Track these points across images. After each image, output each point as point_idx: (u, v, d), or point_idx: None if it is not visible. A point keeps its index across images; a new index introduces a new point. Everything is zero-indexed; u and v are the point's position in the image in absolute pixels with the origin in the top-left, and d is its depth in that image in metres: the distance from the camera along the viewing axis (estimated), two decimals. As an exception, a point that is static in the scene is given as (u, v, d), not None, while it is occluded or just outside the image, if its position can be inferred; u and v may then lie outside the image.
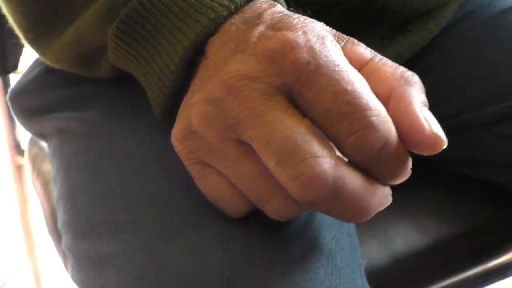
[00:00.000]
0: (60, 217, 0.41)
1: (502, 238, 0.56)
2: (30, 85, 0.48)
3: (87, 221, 0.37)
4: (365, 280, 0.38)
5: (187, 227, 0.33)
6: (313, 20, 0.30)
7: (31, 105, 0.48)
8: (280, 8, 0.31)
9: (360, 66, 0.29)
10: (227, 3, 0.30)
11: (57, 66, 0.41)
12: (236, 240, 0.32)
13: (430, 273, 0.54)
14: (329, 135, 0.27)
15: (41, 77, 0.48)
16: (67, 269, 0.58)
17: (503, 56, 0.52)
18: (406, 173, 0.28)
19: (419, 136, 0.27)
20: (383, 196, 0.28)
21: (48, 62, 0.41)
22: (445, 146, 0.27)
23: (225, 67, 0.28)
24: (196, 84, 0.30)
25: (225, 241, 0.32)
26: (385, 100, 0.27)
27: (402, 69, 0.29)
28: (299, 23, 0.29)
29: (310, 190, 0.26)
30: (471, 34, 0.56)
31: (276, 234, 0.33)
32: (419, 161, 0.58)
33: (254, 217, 0.33)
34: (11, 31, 0.43)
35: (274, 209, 0.29)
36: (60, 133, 0.43)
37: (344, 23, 0.44)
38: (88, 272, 0.36)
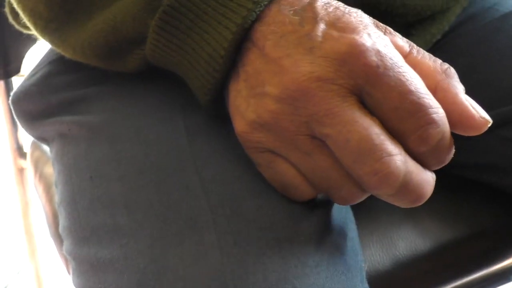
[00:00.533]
0: (62, 222, 0.41)
1: (505, 242, 0.56)
2: (32, 89, 0.48)
3: (87, 225, 0.37)
4: (366, 285, 0.37)
5: (187, 232, 0.33)
6: (361, 13, 0.32)
7: (33, 109, 0.48)
8: None
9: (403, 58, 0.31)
10: None
11: (76, 58, 0.41)
12: (235, 244, 0.32)
13: (433, 277, 0.54)
14: (396, 131, 0.30)
15: (43, 81, 0.48)
16: (69, 272, 0.58)
17: (506, 60, 0.52)
18: (450, 158, 0.32)
19: (471, 123, 0.31)
20: (433, 182, 0.32)
21: (66, 54, 0.41)
22: (490, 125, 0.31)
23: (296, 68, 0.30)
24: (248, 72, 0.32)
25: (224, 245, 0.32)
26: (431, 92, 0.30)
27: (439, 61, 0.32)
28: (358, 23, 0.31)
29: (385, 185, 0.29)
30: (474, 37, 0.56)
31: (275, 238, 0.33)
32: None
33: (254, 222, 0.33)
34: (13, 34, 0.43)
35: (343, 197, 0.32)
36: (62, 137, 0.43)
37: None
38: (89, 276, 0.36)
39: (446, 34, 0.57)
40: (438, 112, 0.29)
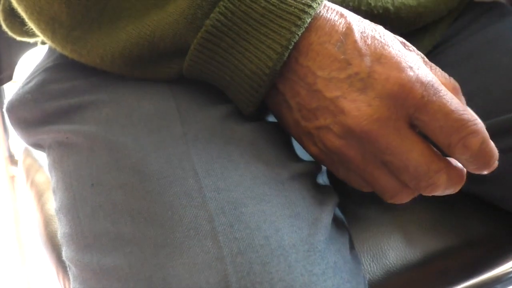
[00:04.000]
0: (61, 228, 0.41)
1: (493, 252, 0.57)
2: (27, 97, 0.48)
3: (89, 233, 0.37)
4: None
5: (191, 240, 0.33)
6: (392, 38, 0.37)
7: (28, 116, 0.48)
8: (358, 25, 0.37)
9: None
10: (307, 9, 0.36)
11: (103, 67, 0.42)
12: (239, 253, 0.32)
13: (423, 286, 0.54)
14: (443, 144, 0.35)
15: (38, 88, 0.48)
16: (59, 280, 0.58)
17: (497, 70, 0.52)
18: (495, 164, 0.37)
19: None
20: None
21: (91, 63, 0.42)
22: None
23: (357, 112, 0.35)
24: (301, 105, 0.38)
25: (228, 254, 0.32)
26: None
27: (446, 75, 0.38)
28: (398, 56, 0.35)
29: (435, 192, 0.37)
30: (465, 48, 0.56)
31: (280, 246, 0.33)
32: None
33: (258, 229, 0.33)
34: (6, 42, 0.43)
35: (396, 201, 0.39)
36: (60, 145, 0.43)
37: None
38: (92, 284, 0.36)
39: (437, 45, 0.58)
40: (476, 123, 0.35)
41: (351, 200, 0.55)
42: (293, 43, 0.36)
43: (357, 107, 0.35)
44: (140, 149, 0.38)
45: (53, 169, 0.44)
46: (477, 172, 0.37)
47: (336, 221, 0.39)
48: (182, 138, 0.38)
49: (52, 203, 0.65)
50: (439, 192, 0.37)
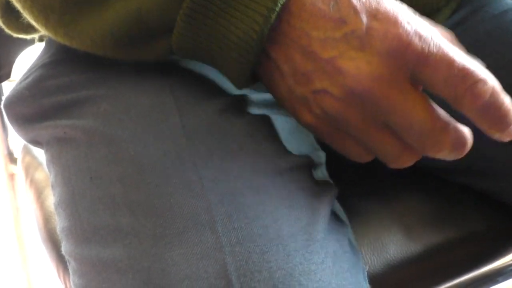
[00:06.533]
0: (60, 223, 0.41)
1: (494, 245, 0.57)
2: (24, 93, 0.48)
3: (88, 226, 0.38)
4: (368, 284, 0.38)
5: (189, 231, 0.33)
6: None
7: (25, 112, 0.48)
8: None
9: None
10: None
11: (95, 50, 0.41)
12: (238, 242, 0.32)
13: (424, 280, 0.54)
14: (449, 96, 0.33)
15: (36, 84, 0.48)
16: (59, 276, 0.58)
17: (497, 63, 0.52)
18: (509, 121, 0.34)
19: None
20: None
21: (83, 47, 0.41)
22: None
23: (357, 70, 0.33)
24: (295, 69, 0.35)
25: (227, 243, 0.32)
26: None
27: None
28: (395, 11, 0.34)
29: (443, 152, 0.35)
30: (465, 41, 0.56)
31: (278, 235, 0.33)
32: (410, 169, 0.58)
33: (256, 219, 0.33)
34: (3, 39, 0.43)
35: (399, 164, 0.37)
36: (58, 140, 0.43)
37: None
38: (91, 277, 0.37)
39: None
40: (483, 72, 0.33)
41: (351, 193, 0.55)
42: (279, 4, 0.34)
43: (356, 66, 0.33)
44: (139, 142, 0.38)
45: (52, 165, 0.44)
46: (492, 134, 0.35)
47: (335, 212, 0.39)
48: (181, 131, 0.38)
49: (51, 201, 0.65)
50: (444, 154, 0.35)
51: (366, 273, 0.39)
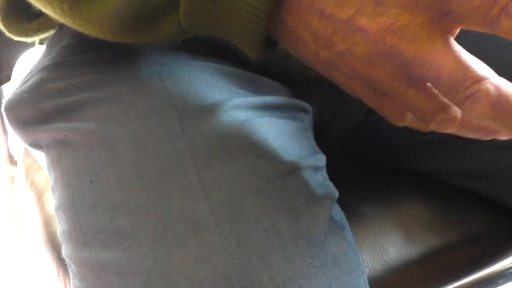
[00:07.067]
0: (60, 226, 0.41)
1: (494, 248, 0.57)
2: (25, 96, 0.48)
3: (88, 229, 0.38)
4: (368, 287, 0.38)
5: (190, 234, 0.33)
6: None
7: (26, 115, 0.48)
8: None
9: None
10: None
11: (103, 35, 0.40)
12: (239, 245, 0.33)
13: (424, 282, 0.54)
14: (485, 26, 0.30)
15: (36, 87, 0.48)
16: (60, 279, 0.58)
17: (498, 66, 0.52)
18: None
19: None
20: None
21: (92, 32, 0.40)
22: None
23: (376, 26, 0.31)
24: (316, 34, 0.34)
25: (228, 246, 0.32)
26: None
27: None
28: None
29: (479, 105, 0.30)
30: (464, 43, 0.56)
31: (279, 239, 0.33)
32: (409, 172, 0.58)
33: (257, 222, 0.33)
34: (4, 42, 0.43)
35: (437, 127, 0.34)
36: (58, 143, 0.44)
37: None
38: (91, 280, 0.37)
39: None
40: None
41: (351, 197, 0.55)
42: None
43: (375, 22, 0.31)
44: (138, 145, 0.38)
45: (52, 168, 0.44)
46: None
47: (335, 216, 0.39)
48: (180, 133, 0.38)
49: (51, 203, 0.65)
50: (482, 111, 0.31)
51: (366, 276, 0.39)
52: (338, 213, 0.41)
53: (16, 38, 0.52)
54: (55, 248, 0.59)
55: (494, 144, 0.51)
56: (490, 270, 0.57)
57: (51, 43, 0.53)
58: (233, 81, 0.46)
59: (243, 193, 0.35)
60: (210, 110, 0.40)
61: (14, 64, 0.82)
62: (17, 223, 0.96)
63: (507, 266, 0.58)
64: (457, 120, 0.34)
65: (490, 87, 0.30)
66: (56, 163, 0.43)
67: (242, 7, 0.34)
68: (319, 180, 0.41)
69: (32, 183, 0.71)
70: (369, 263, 0.52)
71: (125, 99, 0.41)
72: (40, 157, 0.76)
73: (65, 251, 0.41)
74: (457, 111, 0.34)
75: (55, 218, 0.61)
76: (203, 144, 0.37)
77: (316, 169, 0.42)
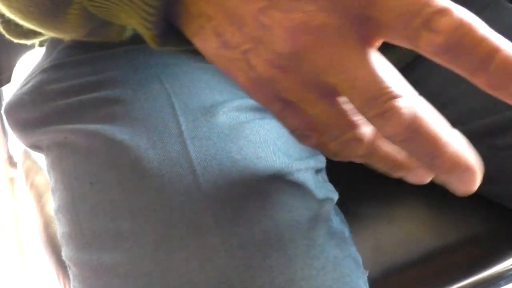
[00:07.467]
0: (61, 228, 0.41)
1: (495, 249, 0.57)
2: (25, 98, 0.49)
3: (89, 231, 0.38)
4: None
5: (190, 236, 0.33)
6: None
7: (26, 117, 0.48)
8: None
9: None
10: None
11: (26, 20, 0.39)
12: (240, 247, 0.33)
13: (425, 284, 0.54)
14: (404, 38, 0.27)
15: (36, 89, 0.48)
16: (59, 281, 0.58)
17: None
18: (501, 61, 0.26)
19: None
20: (460, 149, 0.28)
21: (16, 17, 0.39)
22: None
23: (291, 23, 0.27)
24: (220, 27, 0.30)
25: (229, 248, 0.32)
26: None
27: None
28: None
29: (391, 124, 0.27)
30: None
31: (280, 240, 0.33)
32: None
33: (257, 224, 0.33)
34: (4, 44, 0.43)
35: (341, 148, 0.31)
36: (58, 145, 0.44)
37: None
38: (91, 282, 0.37)
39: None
40: (446, 2, 0.26)
41: (351, 198, 0.55)
42: None
43: (289, 17, 0.27)
44: (138, 147, 0.38)
45: (52, 170, 0.44)
46: (479, 83, 0.26)
47: (335, 217, 0.39)
48: (180, 136, 0.38)
49: (51, 205, 0.65)
50: (394, 130, 0.27)
51: (366, 277, 0.39)
52: (338, 214, 0.41)
53: (16, 40, 0.52)
54: (55, 250, 0.59)
55: (494, 145, 0.51)
56: (491, 271, 0.57)
57: (51, 45, 0.53)
58: (233, 82, 0.46)
59: (243, 195, 0.35)
60: (210, 111, 0.40)
61: (14, 66, 0.82)
62: (17, 225, 0.95)
63: (509, 267, 0.58)
64: (363, 144, 0.30)
65: (406, 105, 0.27)
66: (56, 165, 0.43)
67: None
68: (319, 181, 0.41)
69: (32, 185, 0.71)
70: (369, 264, 0.52)
71: (125, 100, 0.41)
72: (40, 159, 0.76)
73: (65, 253, 0.41)
74: (365, 134, 0.30)
75: (55, 220, 0.61)
76: (202, 146, 0.37)
77: (316, 170, 0.42)
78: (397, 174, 0.32)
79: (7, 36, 0.52)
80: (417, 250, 0.53)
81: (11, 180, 0.91)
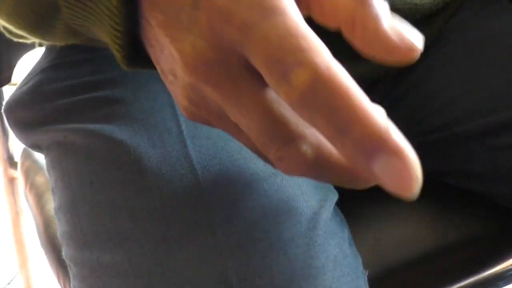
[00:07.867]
0: (61, 227, 0.41)
1: (494, 249, 0.57)
2: (24, 97, 0.49)
3: (89, 230, 0.38)
4: None
5: (190, 235, 0.33)
6: None
7: (26, 117, 0.48)
8: None
9: None
10: None
11: (7, 23, 0.39)
12: (239, 246, 0.33)
13: (424, 284, 0.54)
14: (270, 81, 0.24)
15: (36, 89, 0.48)
16: (59, 281, 0.58)
17: (494, 68, 0.52)
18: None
19: (398, 56, 0.24)
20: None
21: (8, 24, 0.39)
22: (419, 53, 0.25)
23: (183, 56, 0.26)
24: (155, 54, 0.29)
25: (229, 247, 0.32)
26: (349, 30, 0.25)
27: None
28: None
29: (291, 169, 0.26)
30: (461, 45, 0.56)
31: (279, 240, 0.33)
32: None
33: (256, 223, 0.33)
34: (4, 43, 0.43)
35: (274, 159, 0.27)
36: (58, 145, 0.44)
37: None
38: (91, 282, 0.37)
39: (433, 42, 0.57)
40: (310, 53, 0.23)
41: (350, 197, 0.55)
42: None
43: (183, 50, 0.26)
44: (138, 146, 0.38)
45: (52, 169, 0.44)
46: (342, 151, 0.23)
47: (335, 217, 0.39)
48: (180, 135, 0.38)
49: (51, 205, 0.65)
50: (298, 174, 0.26)
51: (366, 277, 0.39)
52: (338, 214, 0.41)
53: (16, 40, 0.52)
54: (55, 249, 0.59)
55: (493, 145, 0.51)
56: (490, 271, 0.57)
57: (51, 45, 0.53)
58: None
59: (243, 195, 0.35)
60: None
61: (14, 66, 0.82)
62: (17, 225, 0.95)
63: (508, 268, 0.58)
64: (301, 161, 0.26)
65: (304, 148, 0.25)
66: (56, 164, 0.43)
67: (104, 10, 0.30)
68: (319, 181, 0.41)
69: (32, 185, 0.72)
70: (369, 264, 0.52)
71: (125, 100, 0.41)
72: (40, 158, 0.76)
73: (65, 252, 0.41)
74: (307, 150, 0.26)
75: (55, 220, 0.61)
76: (202, 146, 0.38)
77: None
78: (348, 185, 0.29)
79: (7, 35, 0.52)
80: (417, 250, 0.53)
81: (11, 180, 0.91)
